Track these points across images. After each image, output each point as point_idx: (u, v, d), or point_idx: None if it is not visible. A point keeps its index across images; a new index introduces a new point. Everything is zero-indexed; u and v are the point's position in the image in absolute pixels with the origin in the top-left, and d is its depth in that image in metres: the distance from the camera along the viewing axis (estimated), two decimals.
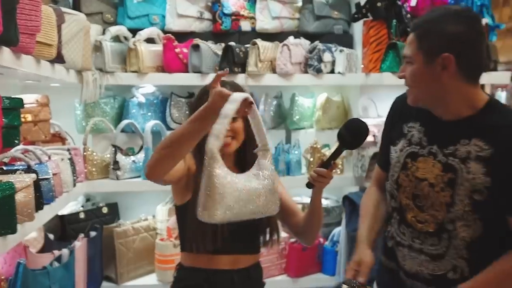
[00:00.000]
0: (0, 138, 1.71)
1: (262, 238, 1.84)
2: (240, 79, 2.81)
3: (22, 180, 1.70)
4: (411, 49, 1.57)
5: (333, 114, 3.15)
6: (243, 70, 2.87)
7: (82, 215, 2.79)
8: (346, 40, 3.18)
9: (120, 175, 2.78)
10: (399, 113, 1.78)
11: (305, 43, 3.00)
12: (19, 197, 1.65)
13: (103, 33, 2.83)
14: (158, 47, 2.84)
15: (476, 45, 1.55)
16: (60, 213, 2.68)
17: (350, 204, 2.93)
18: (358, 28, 3.16)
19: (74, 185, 2.41)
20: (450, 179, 1.55)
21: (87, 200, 3.02)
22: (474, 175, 1.51)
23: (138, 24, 2.93)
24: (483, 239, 1.54)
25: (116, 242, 2.73)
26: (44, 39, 1.85)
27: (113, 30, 2.77)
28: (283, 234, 2.77)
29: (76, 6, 2.80)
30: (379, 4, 2.93)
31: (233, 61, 2.81)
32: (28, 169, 1.82)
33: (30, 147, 2.00)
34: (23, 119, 2.08)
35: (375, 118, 3.03)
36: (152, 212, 2.99)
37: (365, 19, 3.01)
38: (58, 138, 2.63)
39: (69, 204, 2.69)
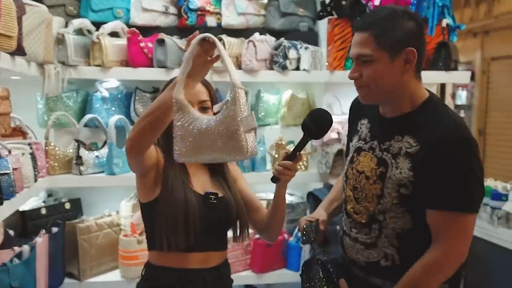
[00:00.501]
0: None
1: (233, 233, 1.84)
2: None
3: None
4: (369, 48, 1.58)
5: (298, 111, 3.18)
6: None
7: (43, 211, 2.74)
8: (311, 38, 3.20)
9: (83, 170, 2.74)
10: (356, 110, 1.87)
11: (270, 39, 3.01)
12: None
13: (66, 25, 2.78)
14: (123, 41, 2.81)
15: (424, 41, 1.64)
16: (20, 209, 2.63)
17: (315, 200, 2.96)
18: (323, 26, 3.19)
19: (36, 180, 2.37)
20: (381, 173, 1.63)
21: (49, 195, 2.97)
22: (401, 170, 1.58)
23: (102, 17, 2.89)
24: (413, 231, 1.60)
25: (79, 238, 2.69)
26: (3, 30, 1.81)
27: (76, 23, 2.73)
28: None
29: None
30: (343, 2, 2.96)
31: None
32: None
33: None
34: None
35: (339, 115, 3.07)
36: (116, 208, 2.96)
37: (330, 17, 3.04)
38: (19, 132, 2.57)
39: (30, 199, 2.64)
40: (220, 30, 3.05)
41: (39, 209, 2.73)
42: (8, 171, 1.95)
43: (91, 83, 2.95)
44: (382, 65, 1.58)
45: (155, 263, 1.76)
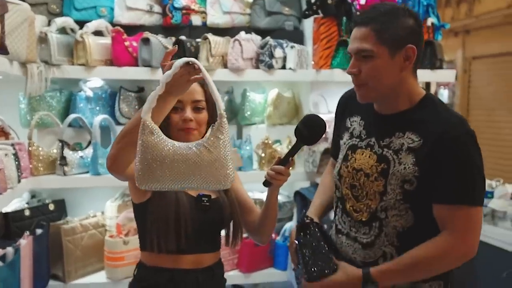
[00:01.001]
0: None
1: (226, 236, 1.83)
2: None
3: None
4: (369, 43, 1.57)
5: (284, 110, 3.18)
6: None
7: (27, 212, 2.70)
8: (297, 37, 3.21)
9: (67, 170, 2.71)
10: (344, 108, 1.86)
11: (256, 38, 3.01)
12: None
13: (49, 24, 2.74)
14: (107, 40, 2.78)
15: (423, 39, 1.64)
16: (3, 211, 2.59)
17: (302, 199, 2.97)
18: (308, 25, 3.19)
19: (19, 181, 2.33)
20: (383, 169, 1.62)
21: (33, 196, 2.92)
22: (405, 165, 1.58)
23: (85, 16, 2.86)
24: (414, 229, 1.60)
25: (64, 240, 2.66)
26: None
27: (59, 21, 2.69)
28: None
29: None
30: (329, 1, 2.97)
31: (184, 56, 2.77)
32: None
33: None
34: None
35: (326, 114, 3.07)
36: (101, 209, 2.93)
37: (315, 16, 3.04)
38: (1, 132, 2.52)
39: (13, 201, 2.61)
40: (205, 29, 3.04)
41: (22, 210, 2.69)
42: None
43: (75, 83, 2.91)
44: (382, 61, 1.57)
45: (147, 263, 1.74)
